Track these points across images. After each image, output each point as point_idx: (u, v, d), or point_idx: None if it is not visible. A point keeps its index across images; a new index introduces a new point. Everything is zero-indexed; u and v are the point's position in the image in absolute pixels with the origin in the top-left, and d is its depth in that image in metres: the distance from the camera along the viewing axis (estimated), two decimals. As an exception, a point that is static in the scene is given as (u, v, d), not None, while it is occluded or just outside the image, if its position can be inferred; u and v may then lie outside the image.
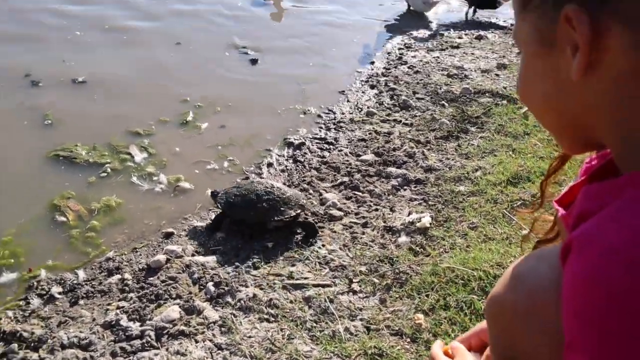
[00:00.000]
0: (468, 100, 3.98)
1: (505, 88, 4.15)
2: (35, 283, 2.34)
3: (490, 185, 2.85)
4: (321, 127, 3.67)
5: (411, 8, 6.14)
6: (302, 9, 5.98)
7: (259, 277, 2.32)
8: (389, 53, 4.98)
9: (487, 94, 4.06)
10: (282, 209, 2.61)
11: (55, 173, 3.02)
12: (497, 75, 4.49)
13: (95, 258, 2.52)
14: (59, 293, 2.29)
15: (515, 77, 4.37)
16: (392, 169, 3.14)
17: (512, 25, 6.06)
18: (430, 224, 2.60)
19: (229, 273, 2.34)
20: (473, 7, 6.23)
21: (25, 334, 2.05)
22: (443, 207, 2.77)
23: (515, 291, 0.95)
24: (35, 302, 2.24)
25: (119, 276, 2.37)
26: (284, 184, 3.08)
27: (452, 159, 3.24)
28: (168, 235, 2.66)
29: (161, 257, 2.43)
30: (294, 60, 4.66)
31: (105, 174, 3.03)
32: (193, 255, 2.50)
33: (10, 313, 2.18)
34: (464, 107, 3.85)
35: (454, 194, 2.86)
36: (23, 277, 2.40)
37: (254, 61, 4.51)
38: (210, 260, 2.45)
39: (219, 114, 3.71)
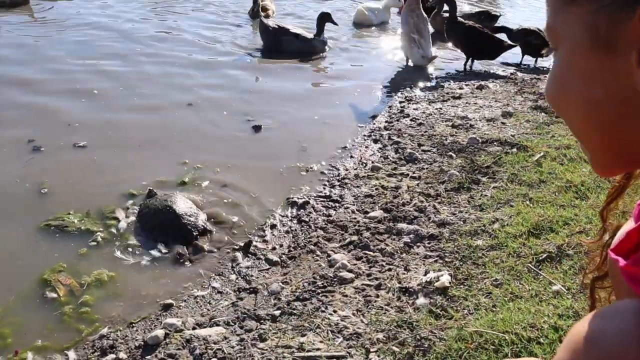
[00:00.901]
0: (476, 150, 3.85)
1: (513, 136, 4.03)
2: (20, 368, 2.13)
3: (511, 238, 2.67)
4: (325, 185, 3.53)
5: (410, 62, 6.13)
6: (305, 65, 5.96)
7: (266, 350, 2.10)
8: (390, 107, 4.91)
9: (495, 143, 3.93)
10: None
11: (47, 245, 2.85)
12: (503, 123, 4.38)
13: (88, 336, 2.31)
14: (47, 378, 2.08)
15: (523, 125, 4.29)
16: (402, 225, 2.97)
17: (511, 74, 6.03)
18: (450, 282, 2.41)
19: (233, 347, 2.12)
20: (471, 58, 6.22)
21: None
22: (461, 263, 2.58)
23: (589, 356, 0.79)
24: (20, 389, 2.03)
25: (113, 355, 2.16)
26: (289, 246, 2.90)
27: (466, 212, 3.07)
28: (167, 307, 2.46)
29: (159, 333, 2.22)
30: (294, 119, 4.56)
31: (95, 243, 2.85)
32: (194, 328, 2.29)
33: (-8, 404, 1.97)
34: (472, 157, 3.71)
35: (471, 249, 2.67)
36: (8, 360, 2.19)
37: (257, 128, 4.32)
38: (213, 332, 2.24)
39: (219, 174, 3.57)
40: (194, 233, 2.93)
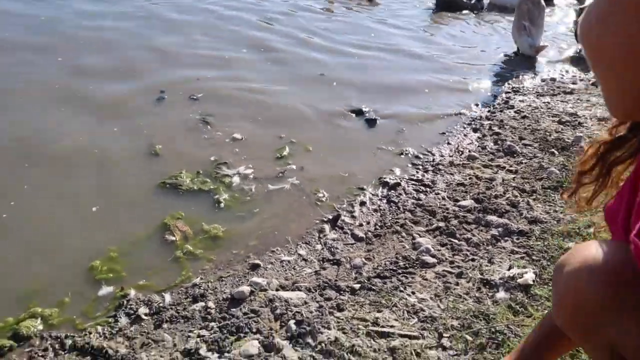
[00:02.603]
0: (582, 149, 3.69)
1: (624, 139, 3.81)
2: (124, 302, 2.37)
3: (605, 244, 2.57)
4: (418, 169, 3.54)
5: (519, 51, 5.91)
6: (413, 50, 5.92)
7: (342, 319, 2.21)
8: (494, 96, 4.78)
9: (603, 144, 3.74)
10: None
11: (162, 198, 3.10)
12: (615, 124, 4.14)
13: (182, 283, 2.53)
14: (145, 314, 2.30)
15: None
16: (492, 218, 2.94)
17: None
18: (534, 281, 2.38)
19: (311, 312, 2.24)
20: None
21: (110, 352, 2.07)
22: (548, 263, 2.53)
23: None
24: (123, 320, 2.27)
25: (202, 304, 2.35)
26: (376, 224, 2.97)
27: (561, 212, 2.98)
28: (254, 267, 2.62)
29: (245, 289, 2.39)
30: (395, 102, 4.56)
31: (220, 203, 3.07)
32: (277, 289, 2.44)
33: (99, 329, 2.22)
34: (576, 157, 3.56)
35: (562, 250, 2.61)
36: (116, 294, 2.45)
37: (371, 121, 4.16)
38: (294, 296, 2.37)
39: (312, 153, 3.68)
40: None
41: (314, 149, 3.70)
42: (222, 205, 3.07)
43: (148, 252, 2.72)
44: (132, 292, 2.44)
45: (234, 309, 2.29)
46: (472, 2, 7.28)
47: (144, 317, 2.29)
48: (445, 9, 7.15)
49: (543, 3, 5.79)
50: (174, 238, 2.78)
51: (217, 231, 2.86)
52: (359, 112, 4.26)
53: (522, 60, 5.77)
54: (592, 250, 1.14)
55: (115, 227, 2.85)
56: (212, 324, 2.21)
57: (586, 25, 0.77)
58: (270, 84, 4.62)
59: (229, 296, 2.37)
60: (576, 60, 5.94)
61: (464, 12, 7.20)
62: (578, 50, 6.09)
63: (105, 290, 2.47)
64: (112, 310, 2.34)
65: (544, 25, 5.84)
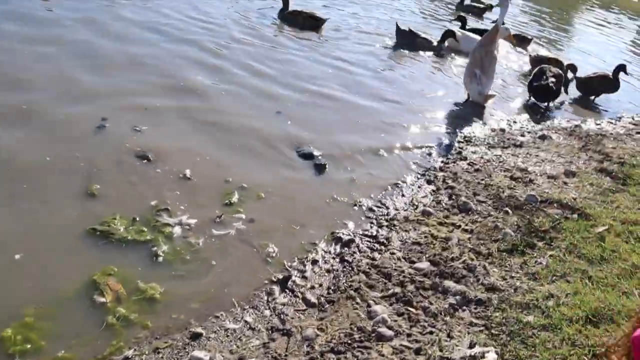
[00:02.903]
0: (534, 209, 3.65)
1: (575, 199, 3.82)
2: (41, 381, 2.06)
3: (566, 321, 2.48)
4: (372, 223, 3.39)
5: (469, 98, 5.95)
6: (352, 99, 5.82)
7: (293, 407, 1.99)
8: (448, 145, 4.73)
9: (555, 205, 3.72)
10: None
11: (93, 249, 2.79)
12: (565, 183, 4.16)
13: (111, 355, 2.24)
14: (65, 397, 2.00)
15: (586, 188, 4.07)
16: (449, 283, 2.81)
17: (576, 126, 5.78)
18: (496, 362, 2.24)
19: (259, 398, 2.01)
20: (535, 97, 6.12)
21: None
22: (509, 339, 2.41)
23: None
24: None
25: (134, 384, 2.08)
26: (329, 287, 2.78)
27: (518, 279, 2.89)
28: (195, 337, 2.37)
29: (185, 366, 2.14)
30: (347, 146, 4.39)
31: (158, 257, 2.79)
32: (221, 366, 2.19)
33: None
34: (530, 217, 3.52)
35: (521, 325, 2.50)
36: (30, 370, 2.14)
37: (320, 167, 3.97)
38: (240, 375, 2.13)
39: (263, 200, 3.45)
40: None
41: (266, 195, 3.47)
42: (160, 259, 2.80)
43: (73, 315, 2.41)
44: (51, 367, 2.13)
45: (170, 392, 2.03)
46: (433, 44, 7.43)
47: (63, 400, 1.99)
48: (404, 46, 7.25)
49: (496, 54, 5.87)
50: (104, 300, 2.48)
51: (154, 291, 2.58)
52: (309, 157, 4.08)
53: (473, 108, 5.79)
54: None
55: (34, 284, 2.52)
56: (145, 411, 1.94)
57: None
58: (222, 120, 4.37)
59: (166, 375, 2.11)
60: (523, 111, 6.04)
61: (422, 53, 7.26)
62: (526, 101, 6.20)
63: (21, 364, 2.16)
64: (26, 392, 2.02)
65: (494, 75, 5.92)
